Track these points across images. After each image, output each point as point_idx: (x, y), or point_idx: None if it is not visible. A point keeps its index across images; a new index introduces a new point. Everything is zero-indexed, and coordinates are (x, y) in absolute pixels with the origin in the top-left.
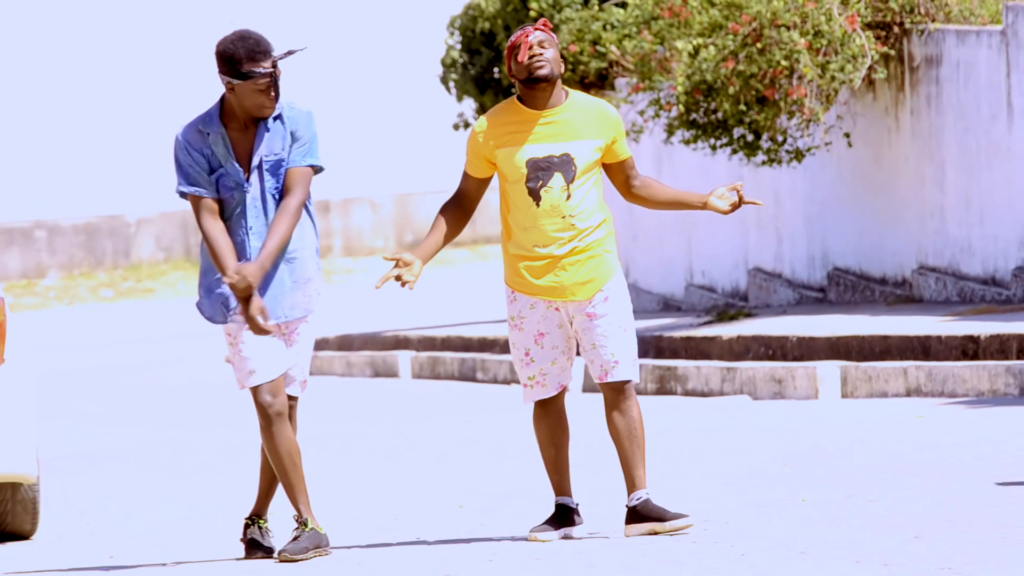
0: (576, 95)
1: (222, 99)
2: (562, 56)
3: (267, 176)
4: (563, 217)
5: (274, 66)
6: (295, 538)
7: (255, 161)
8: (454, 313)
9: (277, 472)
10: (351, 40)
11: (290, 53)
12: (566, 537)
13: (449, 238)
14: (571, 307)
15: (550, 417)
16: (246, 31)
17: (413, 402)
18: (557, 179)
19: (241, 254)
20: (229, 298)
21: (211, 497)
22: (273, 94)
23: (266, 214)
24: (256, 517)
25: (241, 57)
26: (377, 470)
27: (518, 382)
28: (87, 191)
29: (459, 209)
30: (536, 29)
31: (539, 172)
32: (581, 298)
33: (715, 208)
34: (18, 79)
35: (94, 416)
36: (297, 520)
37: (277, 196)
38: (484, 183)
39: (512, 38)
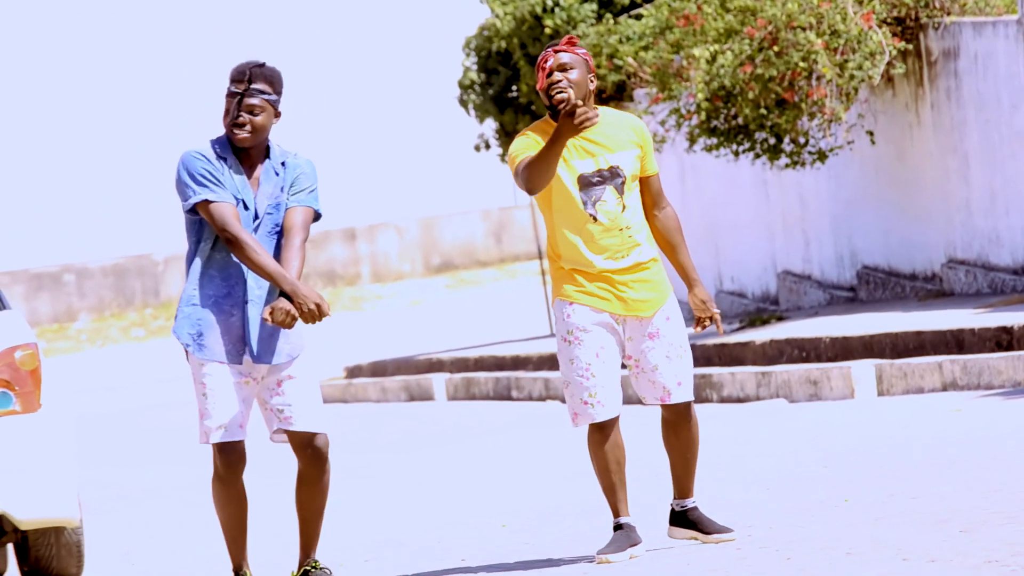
0: (605, 110)
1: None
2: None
3: (267, 219)
4: (621, 230)
5: (253, 92)
6: None
7: (260, 203)
8: (485, 333)
9: (223, 529)
10: (369, 66)
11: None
12: (632, 558)
13: (549, 178)
14: (631, 325)
15: (609, 440)
16: (252, 60)
17: (450, 424)
18: (610, 193)
19: (239, 288)
20: (203, 334)
21: (258, 534)
22: (244, 119)
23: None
24: (237, 571)
25: (231, 74)
26: (418, 493)
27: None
28: (113, 232)
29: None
30: (558, 51)
31: (591, 188)
32: (644, 315)
33: (691, 304)
34: (41, 126)
35: (133, 457)
36: (237, 572)
37: (274, 239)
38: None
39: (540, 57)
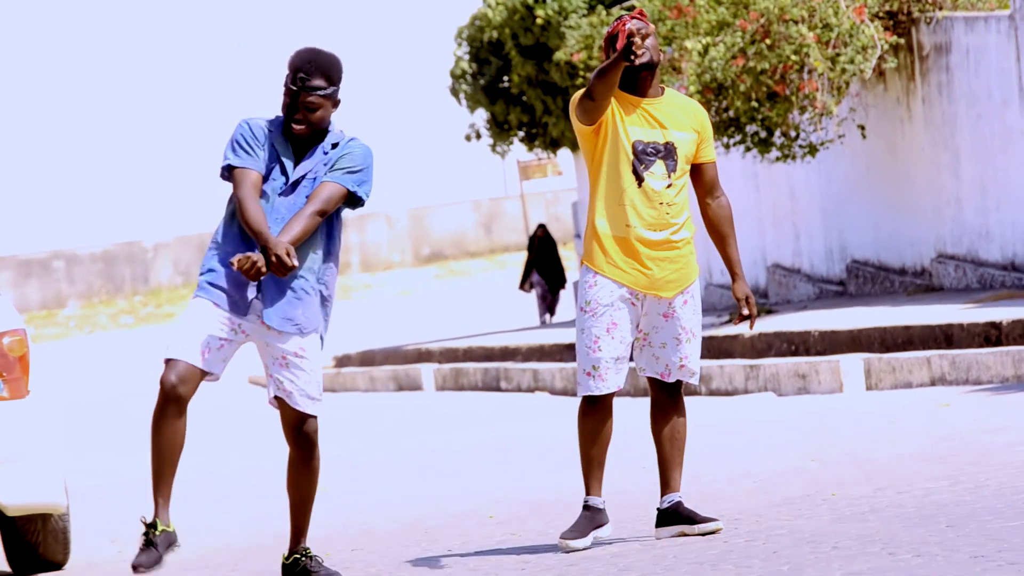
0: (671, 92)
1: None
2: (568, 64)
3: (301, 190)
4: (661, 204)
5: (310, 89)
6: (146, 545)
7: (298, 172)
8: (474, 323)
9: (153, 458)
10: (361, 56)
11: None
12: (596, 539)
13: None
14: (650, 302)
15: (598, 414)
16: (313, 49)
17: (438, 414)
18: (659, 167)
19: (257, 249)
20: (213, 280)
21: (242, 522)
22: (301, 115)
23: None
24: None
25: (290, 62)
26: (406, 483)
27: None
28: (103, 219)
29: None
30: (633, 18)
31: (644, 155)
32: (665, 295)
33: (735, 298)
34: (30, 112)
35: (120, 444)
36: (146, 523)
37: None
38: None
39: (609, 28)
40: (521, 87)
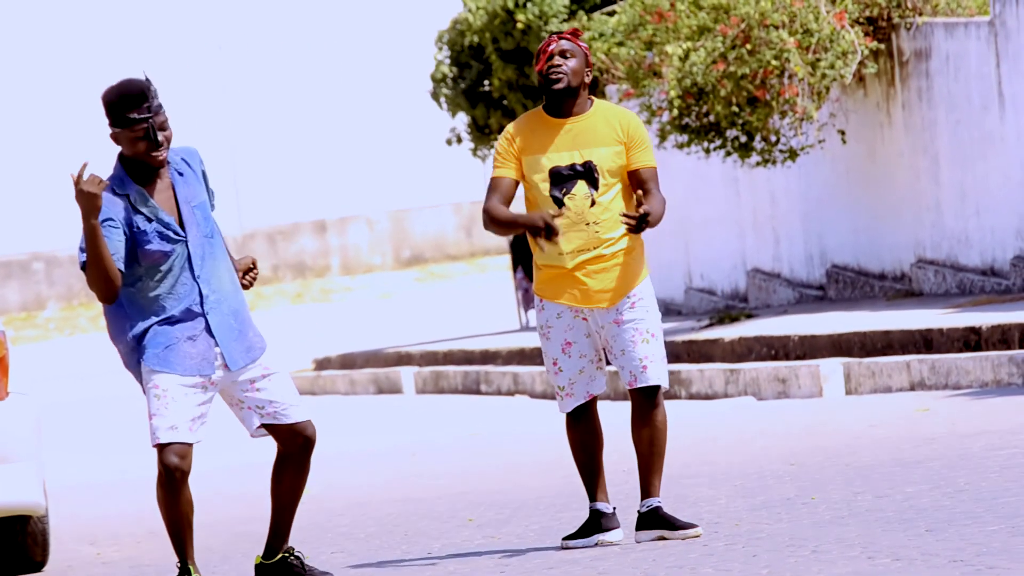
0: (601, 104)
1: (120, 158)
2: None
3: (199, 223)
4: (587, 224)
5: (152, 112)
6: None
7: (185, 210)
8: (455, 327)
9: (170, 530)
10: (341, 59)
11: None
12: (600, 544)
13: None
14: (598, 315)
15: (581, 425)
16: (128, 80)
17: (418, 417)
18: (580, 187)
19: (194, 304)
20: (169, 350)
21: (224, 525)
22: (157, 140)
23: (213, 258)
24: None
25: (120, 103)
26: (385, 486)
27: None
28: None
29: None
30: (562, 38)
31: (563, 180)
32: (606, 306)
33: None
34: (9, 113)
35: (99, 446)
36: (181, 567)
37: (212, 240)
38: (517, 184)
39: (541, 44)
40: (502, 91)
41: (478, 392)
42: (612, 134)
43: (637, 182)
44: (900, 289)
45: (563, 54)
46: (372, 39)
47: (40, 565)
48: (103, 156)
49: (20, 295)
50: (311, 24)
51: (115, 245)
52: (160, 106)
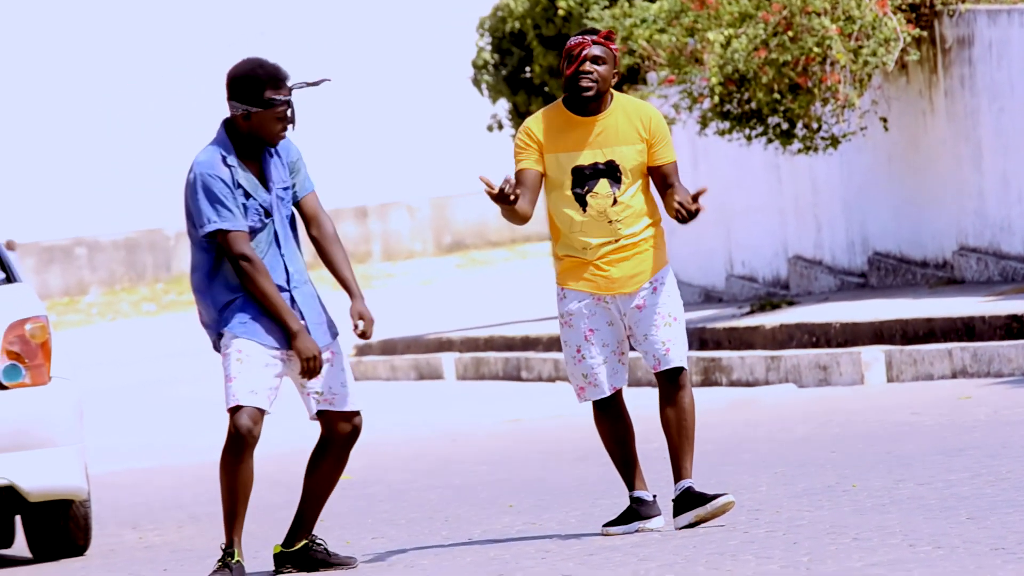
0: (621, 98)
1: (227, 128)
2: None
3: (283, 205)
4: (609, 223)
5: (290, 94)
6: (222, 567)
7: (273, 191)
8: (496, 313)
9: (227, 498)
10: (381, 45)
11: (310, 84)
12: (640, 530)
13: (524, 218)
14: (620, 302)
15: (609, 416)
16: (261, 59)
17: (459, 403)
18: (603, 186)
19: (280, 281)
20: (254, 320)
21: (264, 512)
22: (290, 122)
23: (292, 240)
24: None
25: (263, 83)
26: (426, 473)
27: (563, 379)
28: (125, 207)
29: (525, 203)
30: (596, 42)
31: (585, 179)
32: (628, 291)
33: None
34: (53, 97)
35: (141, 431)
36: (225, 549)
37: (288, 223)
38: (542, 177)
39: (570, 42)
40: (543, 77)
41: (519, 378)
42: (635, 132)
43: (661, 177)
44: (942, 277)
45: (595, 60)
46: (414, 25)
47: (82, 549)
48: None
49: (62, 280)
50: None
51: (241, 212)
52: (291, 91)
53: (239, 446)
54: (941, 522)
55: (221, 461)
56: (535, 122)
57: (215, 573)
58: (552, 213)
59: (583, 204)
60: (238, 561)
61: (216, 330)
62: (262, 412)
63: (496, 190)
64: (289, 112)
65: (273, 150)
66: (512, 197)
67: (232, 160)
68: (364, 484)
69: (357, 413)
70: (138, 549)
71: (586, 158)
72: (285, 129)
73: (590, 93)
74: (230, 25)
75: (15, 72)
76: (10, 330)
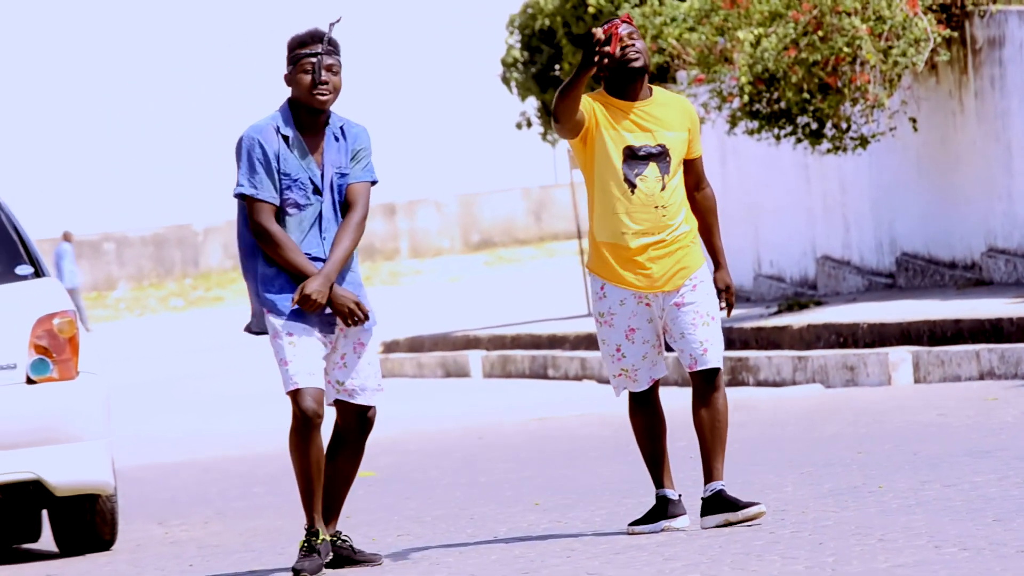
0: (659, 90)
1: (290, 103)
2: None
3: (336, 189)
4: (656, 207)
5: (329, 52)
6: (308, 551)
7: (328, 173)
8: (523, 311)
9: (302, 479)
10: (412, 43)
11: (331, 27)
12: (666, 529)
13: (573, 112)
14: (661, 299)
15: (645, 410)
16: (315, 28)
17: (485, 401)
18: (653, 170)
19: (320, 262)
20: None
21: (291, 506)
22: (323, 79)
23: (336, 224)
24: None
25: (297, 42)
26: (452, 470)
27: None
28: (154, 202)
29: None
30: (623, 22)
31: (636, 161)
32: (670, 289)
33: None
34: (84, 95)
35: (168, 426)
36: (309, 530)
37: (339, 209)
38: (584, 122)
39: (596, 32)
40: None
41: (545, 377)
42: (680, 121)
43: (693, 172)
44: (970, 278)
45: (631, 36)
46: (443, 23)
47: (109, 543)
48: (172, 138)
49: (91, 275)
50: (382, 8)
51: (275, 183)
52: (332, 52)
53: (307, 428)
54: (967, 524)
55: (290, 444)
56: (590, 99)
57: (304, 559)
58: (596, 193)
59: (631, 187)
60: (324, 539)
61: (259, 306)
62: (322, 391)
63: (605, 42)
64: (313, 65)
65: (340, 135)
66: (616, 56)
67: (288, 131)
68: (390, 481)
69: (373, 408)
70: (164, 544)
71: (639, 139)
72: (315, 86)
73: (639, 63)
74: (258, 22)
75: (48, 72)
76: (38, 325)
